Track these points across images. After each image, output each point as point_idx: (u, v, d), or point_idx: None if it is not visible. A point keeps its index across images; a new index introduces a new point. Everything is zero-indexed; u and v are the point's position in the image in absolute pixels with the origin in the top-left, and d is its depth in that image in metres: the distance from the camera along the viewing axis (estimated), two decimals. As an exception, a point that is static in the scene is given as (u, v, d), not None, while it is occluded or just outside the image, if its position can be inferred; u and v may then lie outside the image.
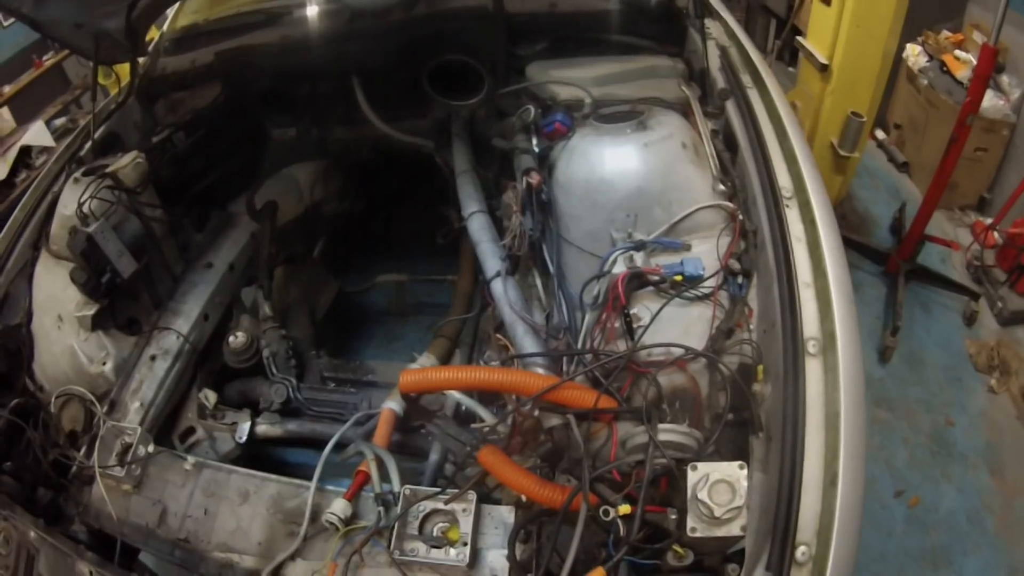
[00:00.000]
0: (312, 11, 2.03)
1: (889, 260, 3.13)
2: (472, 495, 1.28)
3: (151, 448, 1.70)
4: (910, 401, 2.81)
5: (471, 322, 2.10)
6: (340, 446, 1.59)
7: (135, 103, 2.28)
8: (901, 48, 3.50)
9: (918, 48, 3.53)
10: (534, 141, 1.48)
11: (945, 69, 3.33)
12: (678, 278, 1.20)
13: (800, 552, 0.93)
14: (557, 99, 1.58)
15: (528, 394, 1.14)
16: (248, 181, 2.46)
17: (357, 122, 2.15)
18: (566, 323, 1.31)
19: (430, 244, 2.45)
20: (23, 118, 5.26)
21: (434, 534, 1.28)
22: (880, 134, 4.00)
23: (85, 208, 1.92)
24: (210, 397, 2.08)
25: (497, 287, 1.41)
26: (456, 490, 1.29)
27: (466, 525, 1.25)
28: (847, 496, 0.94)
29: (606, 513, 1.02)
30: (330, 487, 1.47)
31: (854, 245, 3.29)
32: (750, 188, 1.28)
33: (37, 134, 5.07)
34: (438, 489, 1.31)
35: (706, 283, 1.23)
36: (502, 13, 1.73)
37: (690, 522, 0.99)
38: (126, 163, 2.11)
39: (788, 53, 4.21)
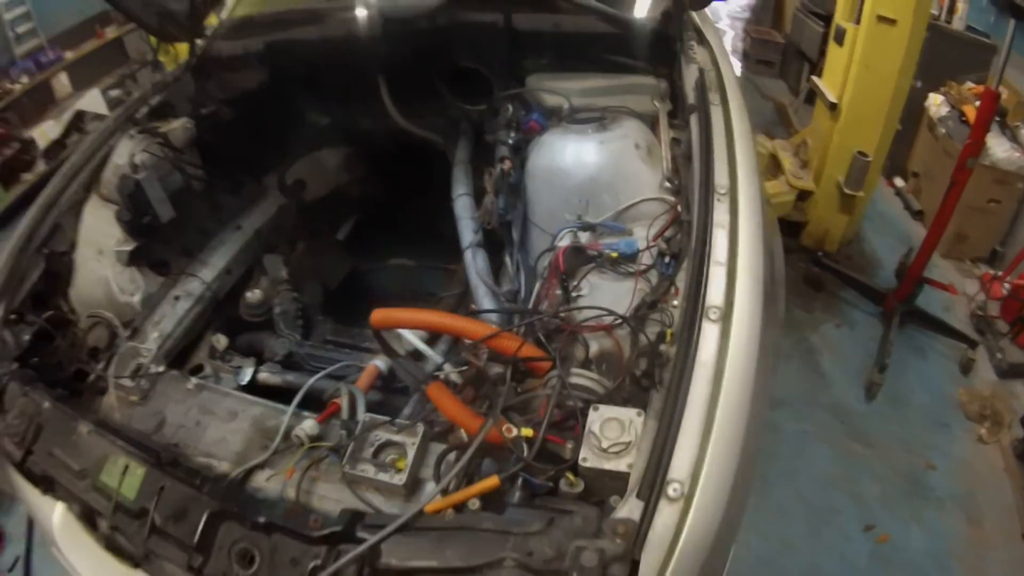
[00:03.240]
0: (349, 14, 2.38)
1: (886, 300, 3.31)
2: (421, 428, 1.50)
3: (161, 368, 2.00)
4: (890, 439, 2.97)
5: (462, 302, 2.32)
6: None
7: (189, 78, 2.65)
8: (924, 97, 3.73)
9: (940, 98, 3.75)
10: (512, 135, 1.79)
11: (963, 119, 3.54)
12: (614, 255, 1.46)
13: (672, 488, 1.06)
14: (543, 104, 1.89)
15: (473, 339, 1.42)
16: (281, 159, 2.83)
17: (381, 116, 2.48)
18: (519, 289, 1.60)
19: (437, 235, 2.68)
20: (79, 84, 5.89)
21: (385, 461, 1.49)
22: (899, 181, 4.20)
23: (136, 159, 2.30)
24: (221, 341, 2.34)
25: (468, 255, 1.73)
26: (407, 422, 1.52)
27: (411, 455, 1.47)
28: (720, 447, 1.10)
29: (508, 430, 1.22)
30: (306, 414, 1.67)
31: (854, 284, 3.50)
32: (693, 187, 1.50)
33: (92, 101, 5.69)
34: (388, 418, 1.55)
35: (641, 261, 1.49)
36: (508, 29, 2.07)
37: (583, 452, 1.17)
38: (176, 126, 2.49)
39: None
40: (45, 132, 5.36)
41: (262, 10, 2.87)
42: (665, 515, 1.05)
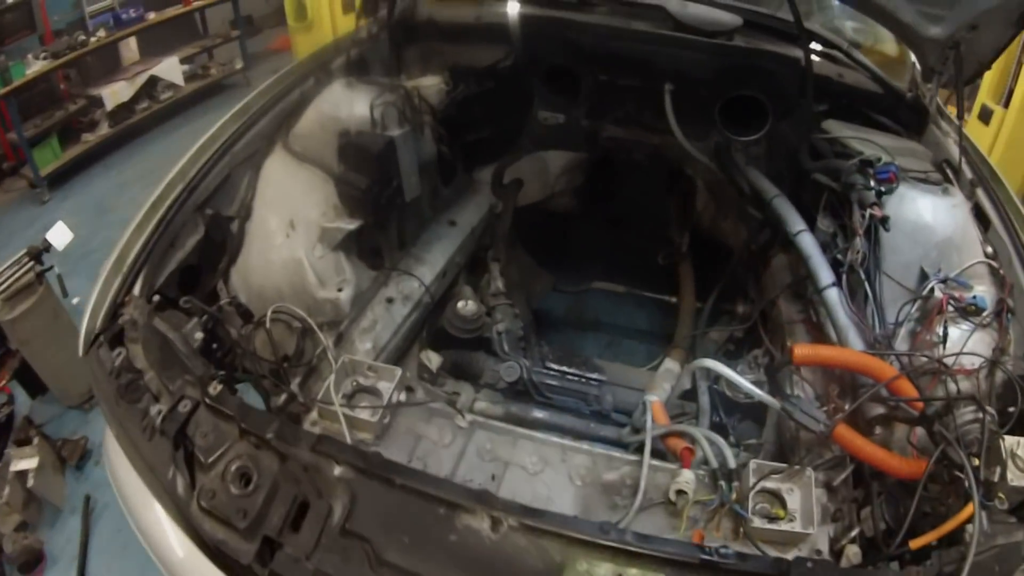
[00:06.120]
0: (636, 8, 2.41)
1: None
2: (810, 472, 1.55)
3: (403, 397, 1.53)
4: None
5: (699, 339, 2.46)
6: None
7: (386, 38, 2.41)
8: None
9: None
10: (872, 183, 1.95)
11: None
12: (972, 308, 1.77)
13: None
14: (861, 153, 2.07)
15: (879, 379, 1.63)
16: (495, 154, 2.66)
17: (635, 124, 2.45)
18: (881, 333, 1.81)
19: (645, 262, 2.75)
20: (148, 52, 5.93)
21: (758, 509, 1.49)
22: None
23: (376, 113, 1.94)
24: (432, 359, 2.13)
25: (832, 295, 1.88)
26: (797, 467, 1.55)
27: (793, 503, 1.49)
28: None
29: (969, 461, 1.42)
30: (655, 462, 1.61)
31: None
32: (1008, 252, 1.89)
33: (169, 69, 5.73)
34: (784, 465, 1.56)
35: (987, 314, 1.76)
36: (810, 69, 2.22)
37: (1009, 474, 1.41)
38: (430, 84, 2.20)
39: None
40: (116, 93, 5.36)
41: None
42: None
